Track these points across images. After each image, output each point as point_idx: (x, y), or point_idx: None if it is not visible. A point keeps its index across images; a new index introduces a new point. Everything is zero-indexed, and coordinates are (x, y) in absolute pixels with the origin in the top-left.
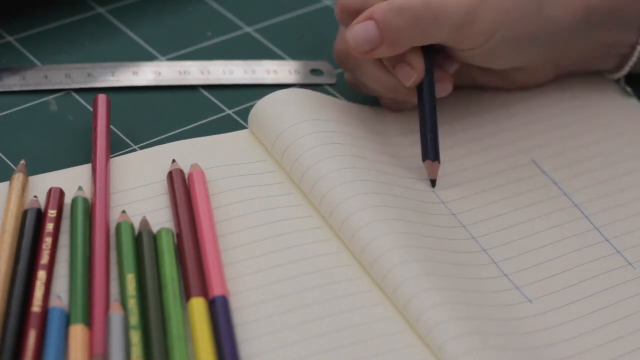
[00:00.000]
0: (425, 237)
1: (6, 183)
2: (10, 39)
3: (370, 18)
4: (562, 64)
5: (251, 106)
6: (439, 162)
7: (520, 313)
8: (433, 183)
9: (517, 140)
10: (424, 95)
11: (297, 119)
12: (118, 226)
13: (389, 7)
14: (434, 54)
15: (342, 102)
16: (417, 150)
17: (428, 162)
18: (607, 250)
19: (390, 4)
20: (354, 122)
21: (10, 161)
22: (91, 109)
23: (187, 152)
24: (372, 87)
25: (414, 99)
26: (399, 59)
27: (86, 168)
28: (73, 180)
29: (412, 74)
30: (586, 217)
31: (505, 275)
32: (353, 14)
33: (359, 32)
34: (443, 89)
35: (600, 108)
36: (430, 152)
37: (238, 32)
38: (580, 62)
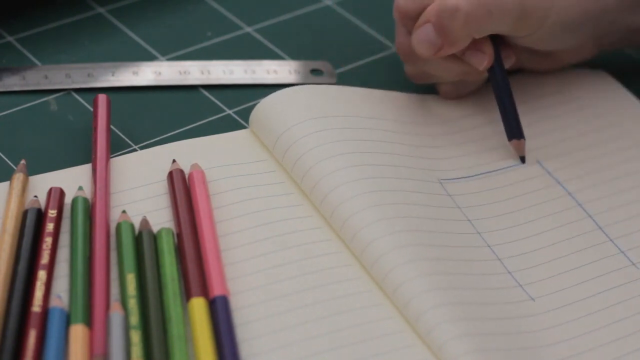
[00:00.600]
0: (429, 232)
1: (6, 183)
2: (10, 39)
3: (427, 21)
4: (606, 41)
5: (251, 106)
6: (524, 139)
7: (522, 311)
8: (523, 159)
9: None
10: (497, 76)
11: (300, 117)
12: (118, 226)
13: (442, 9)
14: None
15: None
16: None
17: (514, 141)
18: (610, 250)
19: (443, 5)
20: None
21: (10, 161)
22: (91, 109)
23: (187, 152)
24: (440, 77)
25: (484, 76)
26: (468, 47)
27: (86, 168)
28: (73, 180)
29: (484, 58)
30: (590, 216)
31: (509, 272)
32: (412, 17)
33: (420, 36)
34: (509, 61)
35: (604, 109)
36: (516, 131)
37: (238, 32)
38: (623, 38)
